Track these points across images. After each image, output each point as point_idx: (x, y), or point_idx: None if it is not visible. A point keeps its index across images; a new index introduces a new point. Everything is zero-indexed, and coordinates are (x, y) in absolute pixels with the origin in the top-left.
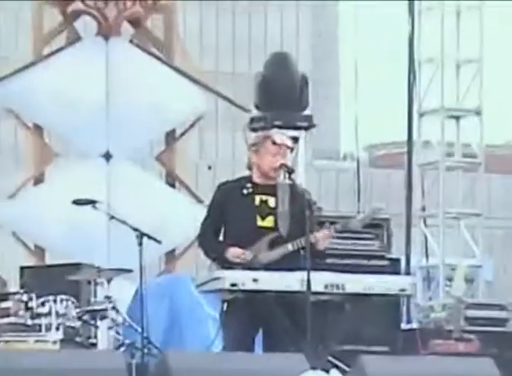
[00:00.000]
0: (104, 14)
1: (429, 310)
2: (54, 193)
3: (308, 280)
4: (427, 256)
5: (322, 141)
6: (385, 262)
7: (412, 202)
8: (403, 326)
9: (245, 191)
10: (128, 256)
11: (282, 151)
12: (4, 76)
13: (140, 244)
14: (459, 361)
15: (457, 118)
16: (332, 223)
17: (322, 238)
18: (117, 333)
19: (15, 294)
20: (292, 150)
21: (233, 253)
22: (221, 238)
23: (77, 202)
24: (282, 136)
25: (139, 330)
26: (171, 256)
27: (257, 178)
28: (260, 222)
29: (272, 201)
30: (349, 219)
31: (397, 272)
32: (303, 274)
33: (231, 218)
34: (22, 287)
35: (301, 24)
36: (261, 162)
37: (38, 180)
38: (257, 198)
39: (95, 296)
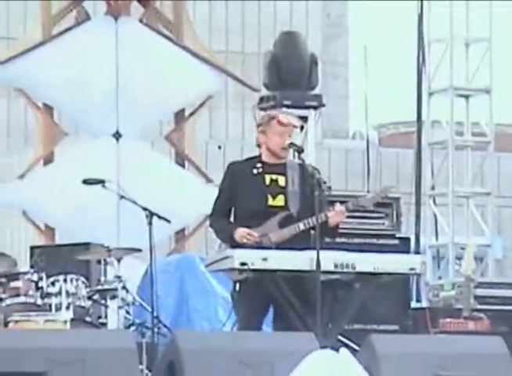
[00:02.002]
0: None
1: (439, 289)
2: (64, 173)
3: (318, 259)
4: (436, 235)
5: (332, 120)
6: (395, 241)
7: (421, 181)
8: (413, 305)
9: (255, 171)
10: (137, 236)
11: (289, 130)
12: (13, 56)
13: (150, 223)
14: (468, 339)
15: (466, 97)
16: (342, 202)
17: (334, 215)
18: (127, 312)
19: (25, 273)
20: (302, 128)
21: (241, 233)
22: (232, 218)
23: (86, 182)
24: (288, 116)
25: (149, 309)
26: (180, 236)
27: (266, 158)
28: (270, 202)
29: (282, 180)
30: (360, 198)
31: (407, 251)
32: (313, 253)
33: (241, 198)
34: (32, 266)
35: (310, 4)
36: (268, 142)
37: (48, 160)
38: (268, 177)
39: (105, 276)
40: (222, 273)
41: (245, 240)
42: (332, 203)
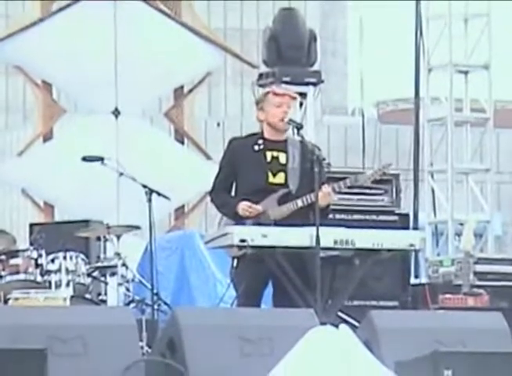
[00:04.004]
0: None
1: (438, 265)
2: (63, 150)
3: (317, 236)
4: (434, 211)
5: (331, 97)
6: (394, 217)
7: (419, 157)
8: (412, 281)
9: (256, 147)
10: (137, 213)
11: (285, 101)
12: (12, 33)
13: (149, 200)
14: (468, 315)
15: (465, 73)
16: (341, 179)
17: (321, 197)
18: (127, 289)
19: (24, 251)
20: (301, 105)
21: (243, 207)
22: (232, 194)
23: (86, 159)
24: (282, 86)
25: (149, 286)
26: (180, 212)
27: (268, 135)
28: (271, 179)
29: (283, 158)
30: (359, 175)
31: (406, 228)
32: (312, 230)
33: (242, 174)
34: (31, 244)
35: None
36: (267, 116)
37: (47, 137)
38: (269, 154)
39: (105, 253)
40: (222, 250)
41: (247, 214)
42: (331, 179)
